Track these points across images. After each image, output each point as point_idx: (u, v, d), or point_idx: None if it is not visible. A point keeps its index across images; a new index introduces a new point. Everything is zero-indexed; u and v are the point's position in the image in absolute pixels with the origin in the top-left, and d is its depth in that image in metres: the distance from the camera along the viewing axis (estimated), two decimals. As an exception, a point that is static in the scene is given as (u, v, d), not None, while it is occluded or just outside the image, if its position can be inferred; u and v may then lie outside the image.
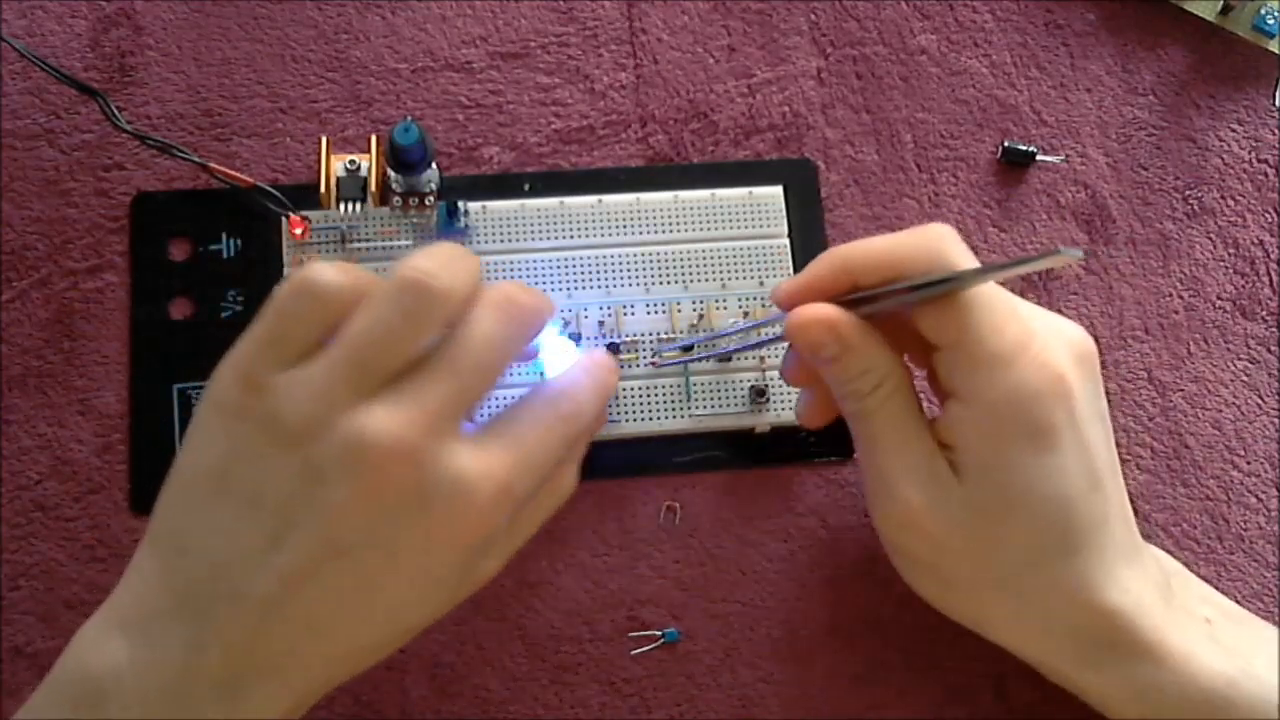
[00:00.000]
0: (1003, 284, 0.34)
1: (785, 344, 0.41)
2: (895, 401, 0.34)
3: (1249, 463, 0.43)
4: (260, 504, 0.29)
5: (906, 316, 0.34)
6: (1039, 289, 0.44)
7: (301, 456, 0.29)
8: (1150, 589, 0.34)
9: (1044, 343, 0.33)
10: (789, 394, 0.42)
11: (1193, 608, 0.36)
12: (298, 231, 0.41)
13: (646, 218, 0.43)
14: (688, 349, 0.42)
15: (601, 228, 0.43)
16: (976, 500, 0.33)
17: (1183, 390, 0.44)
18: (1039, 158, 0.45)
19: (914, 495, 0.33)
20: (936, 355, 0.34)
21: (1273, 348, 0.44)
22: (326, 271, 0.30)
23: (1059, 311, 0.44)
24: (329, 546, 0.29)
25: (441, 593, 0.32)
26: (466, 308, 0.31)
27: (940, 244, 0.33)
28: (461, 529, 0.30)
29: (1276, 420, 0.44)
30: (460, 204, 0.41)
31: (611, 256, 0.42)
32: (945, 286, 0.32)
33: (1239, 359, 0.44)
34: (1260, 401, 0.44)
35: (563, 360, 0.40)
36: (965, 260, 0.33)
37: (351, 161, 0.41)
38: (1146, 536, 0.37)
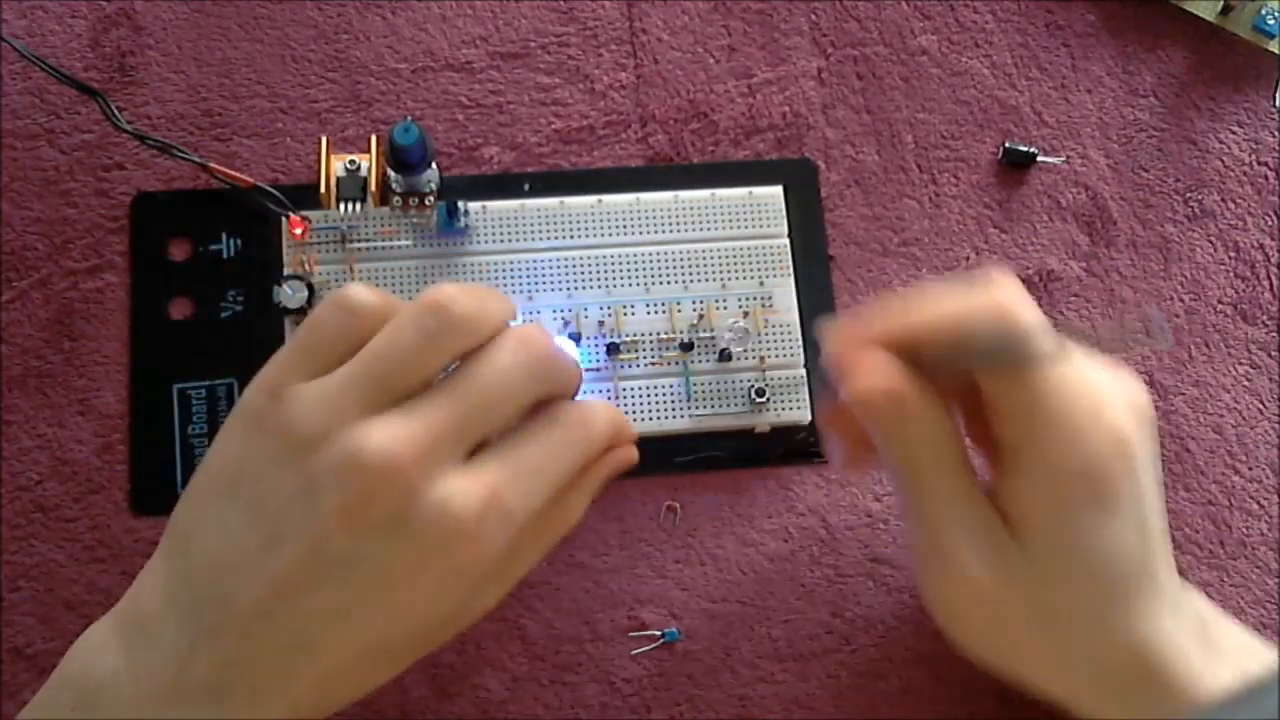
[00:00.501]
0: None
1: (788, 350, 0.41)
2: (949, 464, 0.33)
3: (1250, 468, 0.43)
4: (261, 509, 0.29)
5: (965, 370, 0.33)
6: (1039, 289, 0.44)
7: (304, 465, 0.29)
8: (1190, 638, 0.34)
9: (1113, 409, 0.32)
10: (789, 394, 0.42)
11: (1228, 652, 0.35)
12: (298, 231, 0.41)
13: (646, 218, 0.43)
14: (687, 348, 0.41)
15: (601, 228, 0.43)
16: (1039, 565, 0.32)
17: (1184, 394, 0.44)
18: (1040, 159, 0.45)
19: (978, 568, 0.32)
20: (993, 417, 0.33)
21: (1273, 353, 0.44)
22: (361, 291, 0.31)
23: (1060, 313, 0.44)
24: (316, 558, 0.29)
25: (434, 620, 0.31)
26: (488, 341, 0.31)
27: (1011, 311, 0.32)
28: (452, 555, 0.29)
29: (1277, 426, 0.44)
30: (460, 204, 0.41)
31: (611, 256, 0.42)
32: (1020, 364, 0.31)
33: (1240, 364, 0.44)
34: (1261, 407, 0.44)
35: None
36: (1036, 328, 0.32)
37: (351, 161, 0.41)
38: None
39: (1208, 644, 0.34)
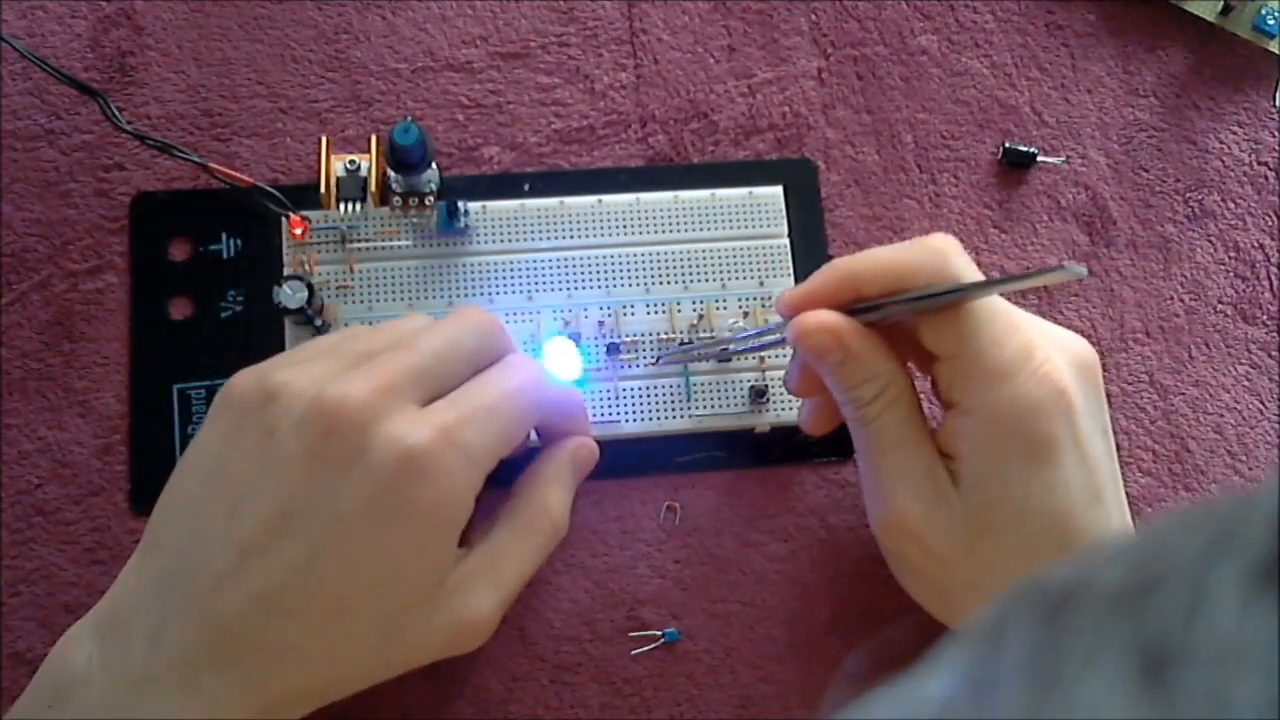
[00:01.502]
0: (1005, 295, 0.34)
1: (788, 350, 0.41)
2: (897, 410, 0.34)
3: (1250, 468, 0.43)
4: (226, 478, 0.30)
5: (910, 326, 0.34)
6: (1039, 289, 0.44)
7: (266, 419, 0.30)
8: None
9: (1045, 355, 0.33)
10: (789, 395, 0.41)
11: None
12: (298, 231, 0.41)
13: (646, 218, 0.43)
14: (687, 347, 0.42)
15: (601, 228, 0.43)
16: (973, 511, 0.33)
17: (1184, 394, 0.44)
18: (1040, 159, 0.45)
19: (912, 504, 0.33)
20: (938, 365, 0.34)
21: (1273, 353, 0.44)
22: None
23: (1060, 314, 0.44)
24: (278, 510, 0.29)
25: (405, 580, 0.30)
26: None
27: (944, 256, 0.33)
28: (407, 489, 0.29)
29: (1277, 426, 0.44)
30: (460, 204, 0.41)
31: (611, 256, 0.42)
32: (948, 298, 0.32)
33: (1240, 363, 0.44)
34: (1261, 407, 0.44)
35: (565, 361, 0.40)
36: (968, 272, 0.33)
37: (351, 161, 0.41)
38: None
39: None
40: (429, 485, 0.30)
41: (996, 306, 0.33)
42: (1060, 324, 0.43)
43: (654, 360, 0.41)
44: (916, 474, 0.34)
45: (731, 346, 0.41)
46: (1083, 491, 0.33)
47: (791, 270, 0.43)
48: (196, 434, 0.32)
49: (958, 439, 0.33)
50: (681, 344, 0.41)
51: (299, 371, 0.31)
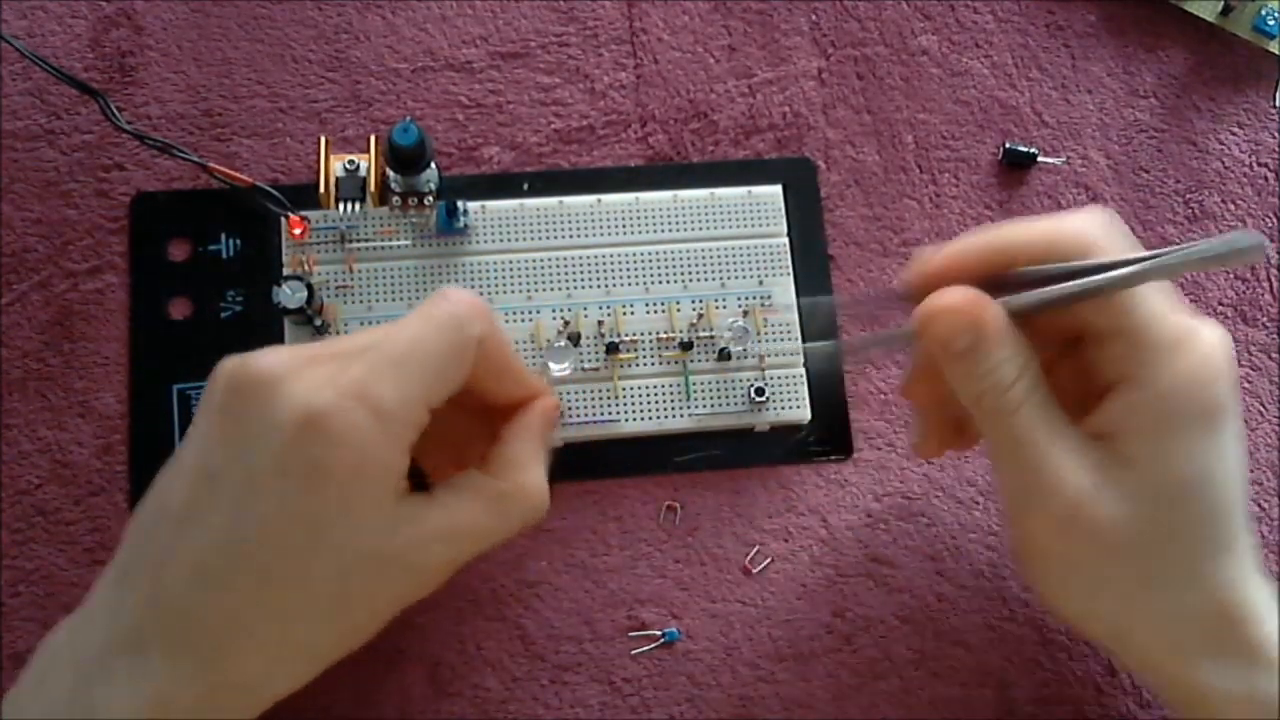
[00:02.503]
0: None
1: (785, 351, 0.41)
2: (1040, 392, 0.32)
3: (1251, 471, 0.43)
4: (177, 457, 0.30)
5: (1053, 311, 0.32)
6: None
7: (209, 402, 0.30)
8: (1267, 596, 0.33)
9: (1206, 336, 0.32)
10: (788, 393, 0.42)
11: None
12: (297, 231, 0.41)
13: (646, 217, 0.43)
14: (687, 347, 0.42)
15: (601, 227, 0.43)
16: (1151, 484, 0.31)
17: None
18: (1040, 159, 0.45)
19: (1084, 482, 0.31)
20: (1091, 347, 0.32)
21: (1273, 355, 0.44)
22: None
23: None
24: (200, 475, 0.29)
25: (335, 543, 0.29)
26: None
27: (1105, 229, 0.32)
28: (313, 446, 0.28)
29: (1277, 428, 0.44)
30: (460, 204, 0.41)
31: (611, 256, 0.42)
32: (1107, 279, 0.31)
33: (1240, 365, 0.44)
34: (1262, 409, 0.44)
35: (562, 361, 0.41)
36: (1128, 250, 0.32)
37: (350, 161, 0.41)
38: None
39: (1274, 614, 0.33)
40: (335, 444, 0.28)
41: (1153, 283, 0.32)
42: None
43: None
44: (1082, 457, 0.32)
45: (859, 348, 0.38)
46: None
47: (791, 269, 0.43)
48: None
49: (1126, 416, 0.32)
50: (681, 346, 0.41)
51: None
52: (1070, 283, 0.31)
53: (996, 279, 0.32)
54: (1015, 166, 0.45)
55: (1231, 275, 0.45)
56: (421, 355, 0.30)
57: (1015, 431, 0.32)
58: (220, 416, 0.29)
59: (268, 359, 0.29)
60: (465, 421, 0.34)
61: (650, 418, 0.41)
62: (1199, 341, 0.32)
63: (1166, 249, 0.31)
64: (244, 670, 0.29)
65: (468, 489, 0.32)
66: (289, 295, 0.38)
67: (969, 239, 0.32)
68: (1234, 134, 0.47)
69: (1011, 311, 0.32)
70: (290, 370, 0.29)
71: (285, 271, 0.41)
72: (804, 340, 0.42)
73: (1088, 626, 0.35)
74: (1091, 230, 0.32)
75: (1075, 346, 0.33)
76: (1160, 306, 0.32)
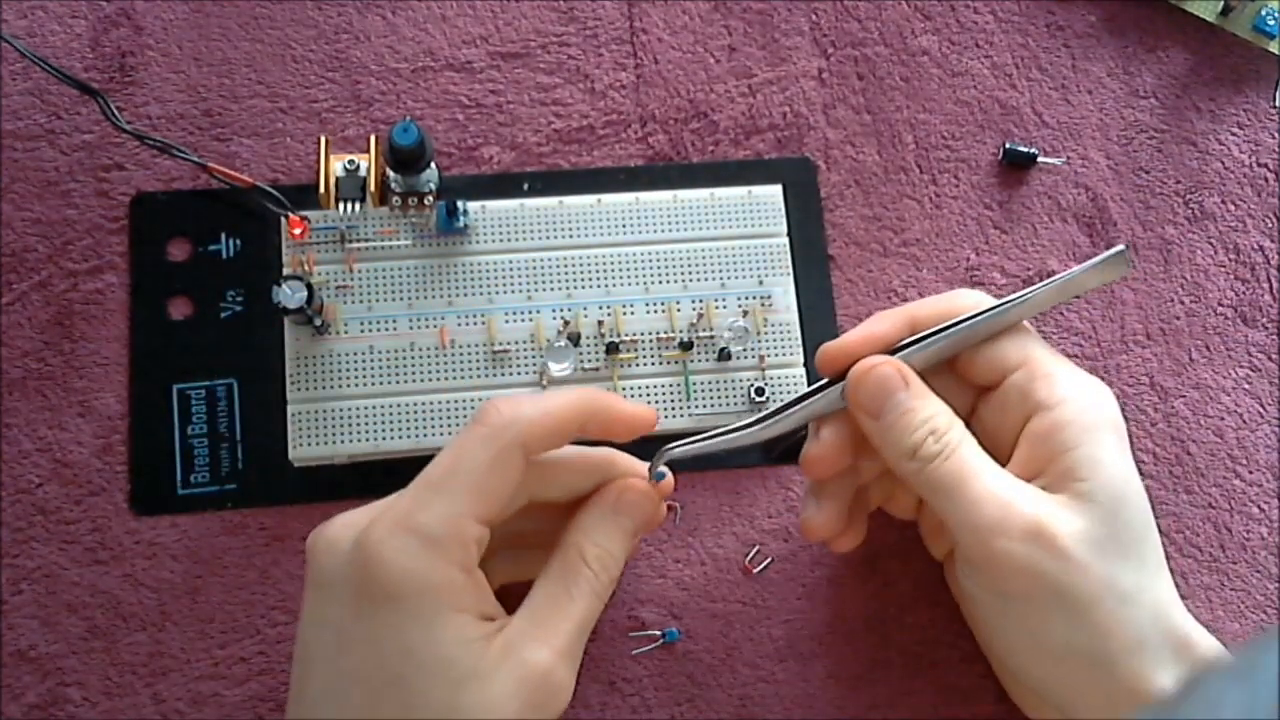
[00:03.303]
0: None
1: (784, 356, 0.41)
2: (971, 437, 0.34)
3: (1251, 471, 0.43)
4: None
5: (949, 368, 0.36)
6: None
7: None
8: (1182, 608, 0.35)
9: (1090, 379, 0.36)
10: (788, 394, 0.41)
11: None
12: (297, 231, 0.41)
13: (646, 217, 0.43)
14: (687, 347, 0.42)
15: (601, 227, 0.43)
16: (1097, 490, 0.33)
17: (1184, 397, 0.44)
18: (1040, 160, 0.45)
19: (1039, 500, 0.33)
20: (993, 393, 0.36)
21: (1273, 355, 0.44)
22: None
23: (1060, 315, 0.44)
24: (299, 640, 0.33)
25: (431, 660, 0.30)
26: None
27: (978, 299, 0.36)
28: (371, 586, 0.30)
29: (1278, 428, 0.44)
30: (460, 204, 0.41)
31: (611, 256, 0.42)
32: (997, 313, 0.35)
33: (1240, 366, 0.44)
34: (1262, 410, 0.44)
35: (562, 361, 0.41)
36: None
37: (351, 161, 0.41)
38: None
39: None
40: (386, 573, 0.30)
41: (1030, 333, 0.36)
42: (1060, 325, 0.44)
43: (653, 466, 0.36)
44: (1024, 484, 0.34)
45: (776, 421, 0.36)
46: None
47: (791, 269, 0.43)
48: None
49: (1050, 438, 0.34)
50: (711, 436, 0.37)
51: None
52: (957, 325, 0.35)
53: (897, 347, 0.35)
54: (1015, 167, 0.45)
55: (1232, 276, 0.45)
56: (463, 473, 0.31)
57: (961, 468, 0.33)
58: (308, 589, 0.32)
59: (335, 522, 0.32)
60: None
61: (650, 418, 0.41)
62: (1092, 385, 0.35)
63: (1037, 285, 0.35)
64: None
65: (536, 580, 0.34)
66: (289, 295, 0.38)
67: (873, 321, 0.36)
68: (1234, 134, 0.47)
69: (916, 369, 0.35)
70: (350, 524, 0.31)
71: (285, 271, 0.41)
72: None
73: (1015, 661, 0.36)
74: (976, 297, 0.36)
75: (983, 400, 0.36)
76: (1047, 346, 0.36)
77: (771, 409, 0.36)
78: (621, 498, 0.35)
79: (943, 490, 0.34)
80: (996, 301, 0.35)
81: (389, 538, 0.30)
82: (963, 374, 0.36)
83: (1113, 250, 0.32)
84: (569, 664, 0.32)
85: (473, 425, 0.32)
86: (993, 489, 0.33)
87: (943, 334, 0.35)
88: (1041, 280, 0.38)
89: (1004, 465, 0.34)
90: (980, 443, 0.35)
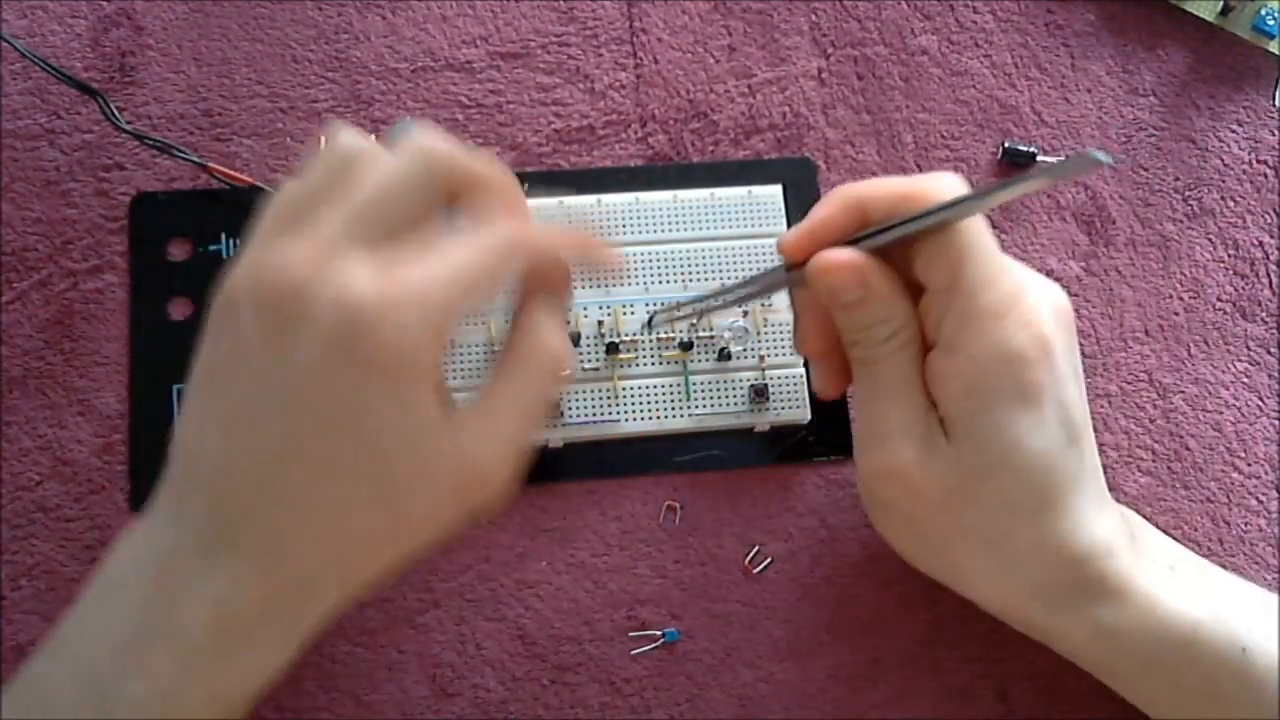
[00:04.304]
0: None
1: (781, 344, 0.42)
2: (904, 354, 0.34)
3: (1249, 465, 0.43)
4: (213, 374, 0.30)
5: (902, 256, 0.34)
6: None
7: (230, 310, 0.30)
8: (1118, 536, 0.35)
9: (1032, 300, 0.33)
10: (788, 394, 0.42)
11: (1157, 556, 0.36)
12: (298, 231, 0.41)
13: (646, 217, 0.43)
14: (687, 347, 0.42)
15: (601, 227, 0.43)
16: (963, 458, 0.33)
17: (1183, 392, 0.44)
18: (1040, 158, 0.45)
19: (907, 449, 0.34)
20: (927, 299, 0.34)
21: (1272, 350, 0.44)
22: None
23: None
24: (247, 385, 0.29)
25: (382, 430, 0.29)
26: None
27: (952, 187, 0.33)
28: (359, 339, 0.28)
29: (1277, 422, 0.44)
30: (460, 204, 0.41)
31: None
32: (951, 212, 0.32)
33: (1239, 361, 0.44)
34: (1261, 404, 0.44)
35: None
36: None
37: (351, 161, 0.41)
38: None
39: (1137, 546, 0.35)
40: (379, 332, 0.28)
41: (990, 247, 0.33)
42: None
43: (646, 323, 0.41)
44: (913, 420, 0.34)
45: (726, 298, 0.39)
46: (1062, 434, 0.34)
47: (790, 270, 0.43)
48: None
49: (945, 381, 0.34)
50: (675, 305, 0.41)
51: (251, 253, 0.30)
52: (908, 215, 0.33)
53: (855, 235, 0.34)
54: (1015, 166, 0.45)
55: (1231, 272, 0.45)
56: (468, 254, 0.30)
57: (870, 383, 0.35)
58: (264, 333, 0.29)
59: (290, 260, 0.29)
60: None
61: (650, 418, 0.41)
62: (1020, 313, 0.33)
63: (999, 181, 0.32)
64: (304, 564, 0.30)
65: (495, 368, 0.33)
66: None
67: (825, 203, 0.34)
68: (1233, 131, 0.47)
69: (871, 251, 0.34)
70: (320, 266, 0.29)
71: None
72: None
73: (922, 568, 0.37)
74: (940, 183, 0.33)
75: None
76: (991, 272, 0.33)
77: (741, 281, 0.38)
78: (554, 276, 0.34)
79: (858, 387, 0.35)
80: (948, 199, 0.33)
81: (394, 302, 0.28)
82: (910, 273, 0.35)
83: (1082, 154, 0.30)
84: (509, 455, 0.31)
85: (494, 233, 0.31)
86: (886, 418, 0.34)
87: (892, 230, 0.33)
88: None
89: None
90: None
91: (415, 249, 0.30)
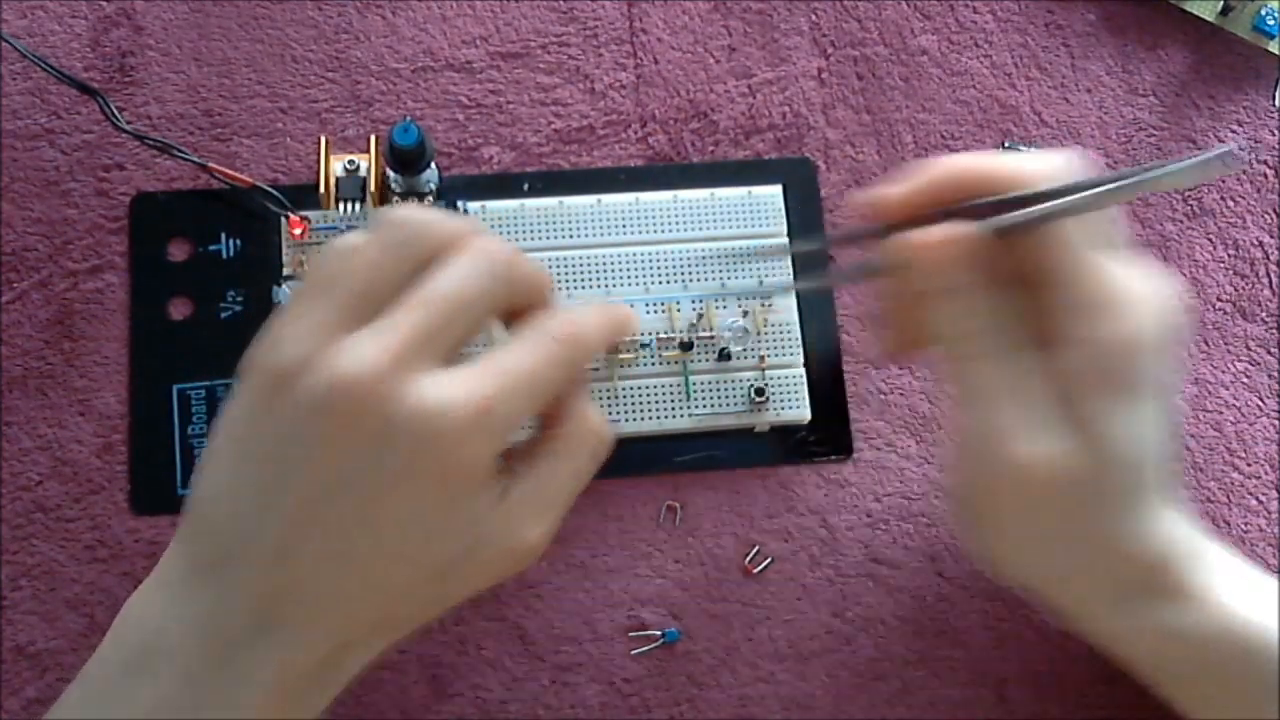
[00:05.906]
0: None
1: (785, 345, 0.41)
2: (1008, 339, 0.32)
3: (1249, 465, 0.43)
4: (257, 458, 0.30)
5: (1005, 249, 0.32)
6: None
7: (287, 402, 0.29)
8: (1195, 534, 0.34)
9: (1148, 290, 0.32)
10: (788, 394, 0.42)
11: (1221, 558, 0.35)
12: (297, 232, 0.41)
13: (646, 217, 0.43)
14: (687, 347, 0.42)
15: (601, 227, 0.43)
16: (1084, 452, 0.31)
17: (1183, 392, 0.44)
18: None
19: (1047, 446, 0.31)
20: (1039, 293, 0.32)
21: (1272, 349, 0.44)
22: (349, 238, 0.30)
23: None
24: (319, 488, 0.29)
25: (447, 534, 0.30)
26: (449, 252, 0.31)
27: (1066, 169, 0.31)
28: (434, 461, 0.29)
29: (1276, 422, 0.44)
30: (460, 204, 0.41)
31: (611, 256, 0.42)
32: (1066, 202, 0.30)
33: (1239, 360, 0.44)
34: (1260, 403, 0.44)
35: None
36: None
37: (351, 162, 0.41)
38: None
39: (1206, 556, 0.34)
40: (455, 459, 0.29)
41: (1097, 234, 0.32)
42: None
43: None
44: (1047, 413, 0.31)
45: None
46: (1166, 426, 0.32)
47: (790, 269, 0.43)
48: (223, 418, 0.31)
49: (1069, 374, 0.31)
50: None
51: (307, 338, 0.30)
52: (1029, 208, 0.31)
53: (951, 209, 0.32)
54: (1015, 166, 0.45)
55: (1231, 272, 0.45)
56: (539, 374, 0.30)
57: (985, 380, 0.32)
58: (336, 436, 0.29)
59: (368, 371, 0.28)
60: None
61: (650, 418, 0.41)
62: (1127, 307, 0.31)
63: (1130, 171, 0.30)
64: (351, 638, 0.31)
65: (541, 444, 0.33)
66: (289, 295, 0.38)
67: (926, 172, 0.33)
68: (1233, 132, 0.47)
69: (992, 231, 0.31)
70: (395, 379, 0.29)
71: (285, 271, 0.41)
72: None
73: (1010, 573, 0.35)
74: (1054, 166, 0.32)
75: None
76: (1095, 261, 0.31)
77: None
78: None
79: (969, 388, 0.33)
80: (1084, 183, 0.31)
81: (466, 428, 0.29)
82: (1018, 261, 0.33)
83: (1217, 150, 0.28)
84: (552, 531, 0.32)
85: (559, 343, 0.31)
86: (1013, 414, 0.32)
87: (1025, 211, 0.31)
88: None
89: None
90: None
91: (478, 359, 0.30)
